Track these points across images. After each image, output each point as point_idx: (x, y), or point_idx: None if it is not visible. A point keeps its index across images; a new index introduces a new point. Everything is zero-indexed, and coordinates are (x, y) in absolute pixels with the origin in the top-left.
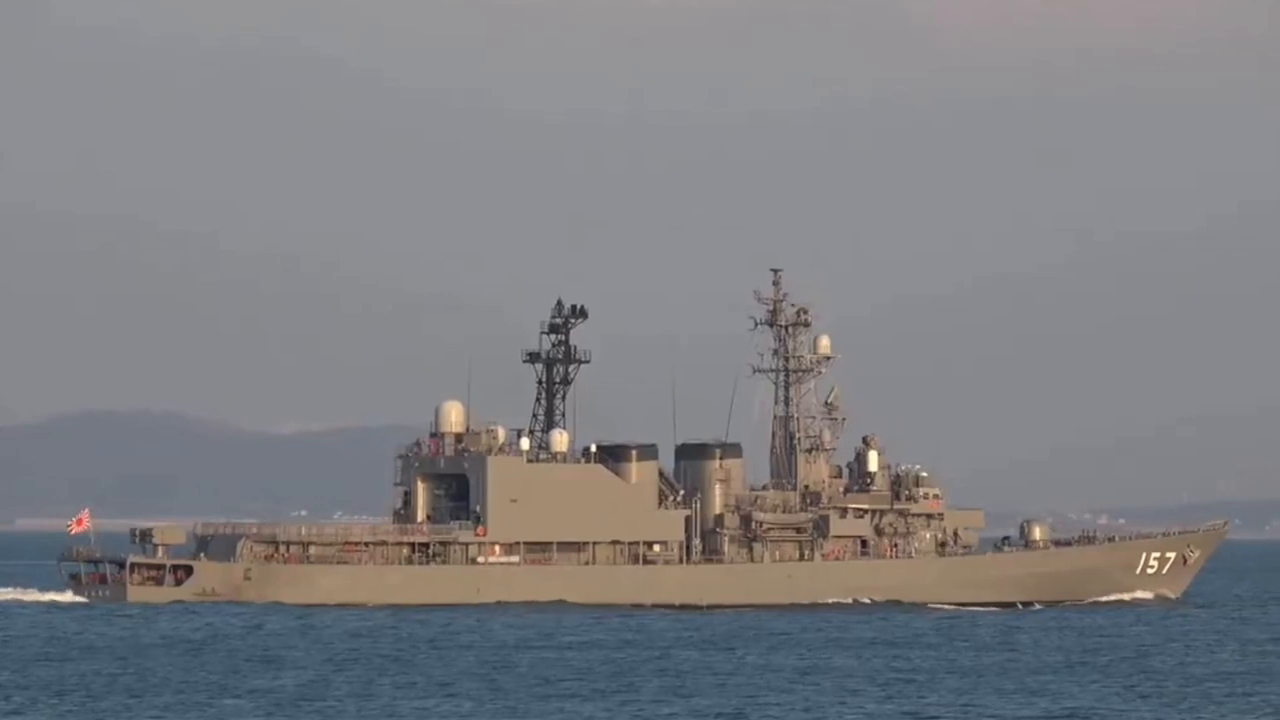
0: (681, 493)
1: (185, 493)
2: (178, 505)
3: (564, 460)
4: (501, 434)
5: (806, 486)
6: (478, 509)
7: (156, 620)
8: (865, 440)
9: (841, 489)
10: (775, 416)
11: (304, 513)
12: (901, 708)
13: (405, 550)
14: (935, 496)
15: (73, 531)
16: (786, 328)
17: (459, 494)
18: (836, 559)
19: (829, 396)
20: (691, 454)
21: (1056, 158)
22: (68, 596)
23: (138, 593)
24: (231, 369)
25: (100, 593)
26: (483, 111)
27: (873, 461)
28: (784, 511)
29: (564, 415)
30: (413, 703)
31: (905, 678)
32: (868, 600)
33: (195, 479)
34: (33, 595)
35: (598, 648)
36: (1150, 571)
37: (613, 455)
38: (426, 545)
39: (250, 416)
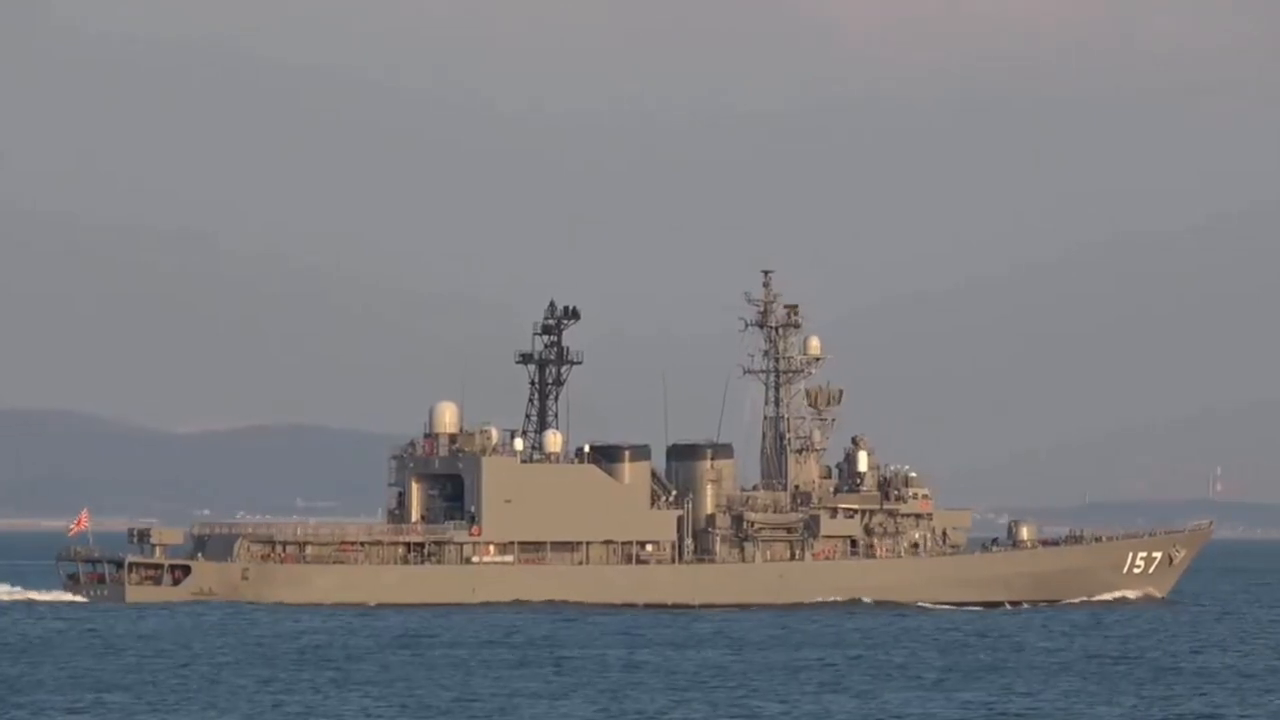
0: (673, 493)
1: (84, 491)
2: (75, 504)
3: (557, 461)
4: (495, 434)
5: (797, 487)
6: (472, 509)
7: (90, 619)
8: (855, 441)
9: (831, 489)
10: (766, 417)
11: (207, 512)
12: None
13: (400, 550)
14: (924, 497)
15: (72, 532)
16: (777, 329)
17: (453, 494)
18: (827, 559)
19: (812, 398)
20: (683, 454)
21: (1056, 157)
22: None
23: (136, 593)
24: (144, 366)
25: (98, 592)
26: (483, 111)
27: (862, 462)
28: (775, 511)
29: (556, 416)
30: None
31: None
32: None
33: (93, 478)
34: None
35: (490, 646)
36: (1137, 571)
37: (606, 456)
38: (422, 545)
39: (153, 415)
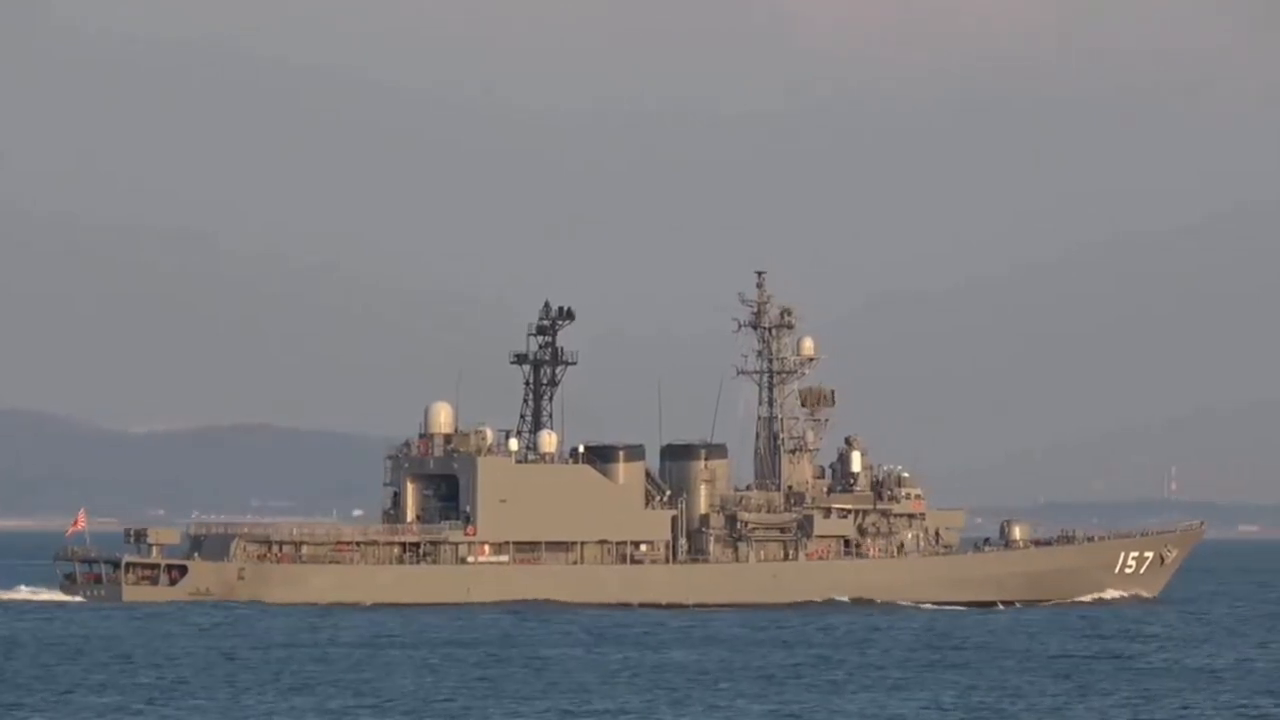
0: (667, 493)
1: (44, 491)
2: (36, 504)
3: (552, 461)
4: (490, 435)
5: (790, 487)
6: (467, 509)
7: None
8: (848, 441)
9: (825, 489)
10: (759, 418)
11: (161, 512)
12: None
13: (396, 550)
14: (917, 497)
15: (69, 532)
16: (770, 329)
17: (448, 494)
18: (820, 559)
19: (805, 399)
20: (677, 454)
21: (1056, 157)
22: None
23: (132, 592)
24: (98, 366)
25: (95, 592)
26: (482, 112)
27: (855, 462)
28: (768, 511)
29: (551, 416)
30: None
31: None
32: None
33: (50, 478)
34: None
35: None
36: (1128, 571)
37: (600, 456)
38: (417, 545)
39: (109, 416)
